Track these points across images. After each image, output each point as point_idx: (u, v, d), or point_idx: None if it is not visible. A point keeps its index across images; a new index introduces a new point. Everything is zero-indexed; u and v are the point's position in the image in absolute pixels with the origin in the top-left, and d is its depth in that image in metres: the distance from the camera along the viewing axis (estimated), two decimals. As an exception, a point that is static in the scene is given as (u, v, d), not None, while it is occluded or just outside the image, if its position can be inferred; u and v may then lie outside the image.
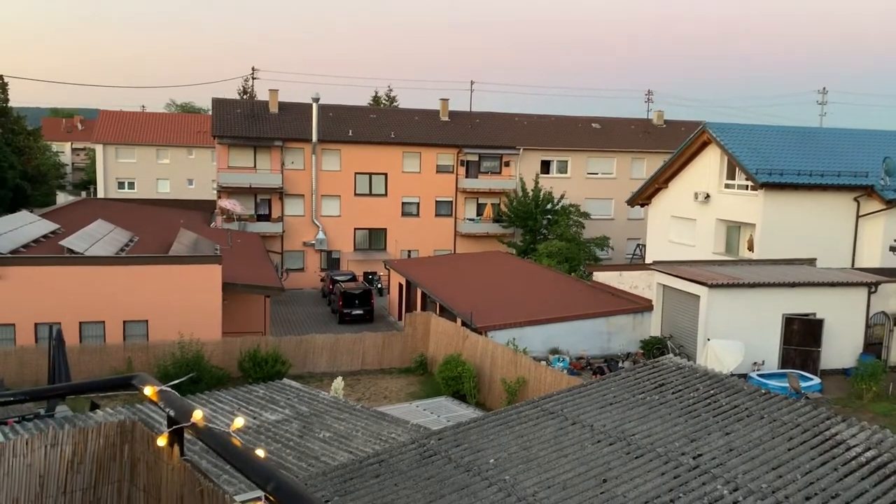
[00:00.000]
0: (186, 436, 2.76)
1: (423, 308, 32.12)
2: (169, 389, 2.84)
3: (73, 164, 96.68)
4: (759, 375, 22.61)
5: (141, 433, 2.83)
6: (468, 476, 7.58)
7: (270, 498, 2.00)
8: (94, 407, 13.57)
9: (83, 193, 68.12)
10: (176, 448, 2.62)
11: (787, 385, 21.49)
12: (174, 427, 2.58)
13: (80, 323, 24.98)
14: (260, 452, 2.28)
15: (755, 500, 6.81)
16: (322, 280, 44.83)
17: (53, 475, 2.82)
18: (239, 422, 2.46)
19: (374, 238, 48.00)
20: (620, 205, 47.46)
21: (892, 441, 8.04)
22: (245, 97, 66.69)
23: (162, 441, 2.67)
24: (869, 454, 7.75)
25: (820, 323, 24.43)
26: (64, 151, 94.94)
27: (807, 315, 24.67)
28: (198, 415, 2.47)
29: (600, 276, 31.89)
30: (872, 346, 25.85)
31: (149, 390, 2.78)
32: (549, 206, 45.72)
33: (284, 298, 38.38)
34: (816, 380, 23.08)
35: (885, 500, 6.72)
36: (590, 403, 9.52)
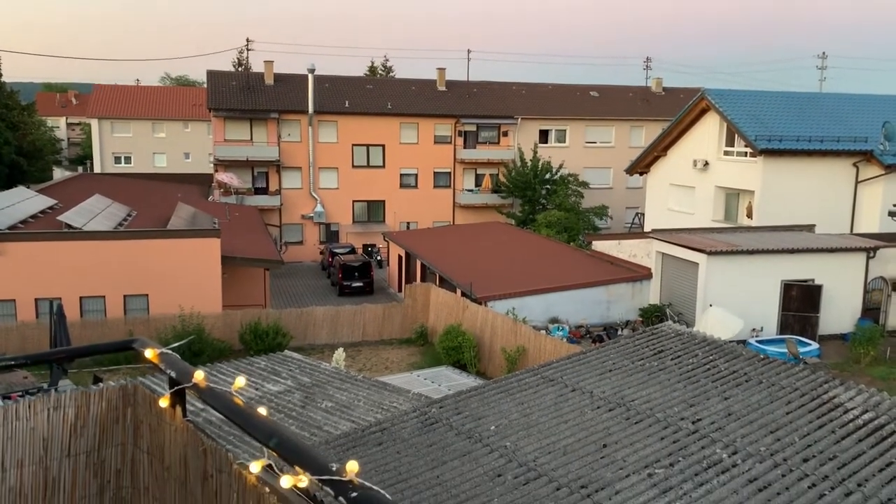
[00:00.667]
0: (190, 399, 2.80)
1: (423, 279, 32.19)
2: (170, 352, 2.85)
3: (68, 139, 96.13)
4: (758, 341, 22.74)
5: (143, 396, 2.85)
6: (469, 443, 7.66)
7: (274, 454, 2.02)
8: (96, 381, 13.66)
9: (80, 168, 67.86)
10: (178, 409, 2.64)
11: (786, 350, 21.62)
12: (176, 388, 2.59)
13: (81, 298, 25.04)
14: (262, 410, 2.30)
15: (753, 463, 6.88)
16: (321, 253, 44.86)
17: (57, 438, 2.85)
18: (240, 381, 2.48)
19: (373, 210, 47.92)
20: (619, 174, 47.31)
21: (889, 404, 8.11)
22: (240, 69, 66.08)
23: (164, 402, 2.69)
24: (866, 417, 7.82)
25: (818, 289, 24.52)
26: (59, 126, 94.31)
27: (805, 281, 24.74)
28: (199, 375, 2.49)
29: (599, 245, 31.91)
30: (870, 311, 25.97)
31: (149, 353, 2.79)
32: (547, 176, 45.58)
33: (284, 271, 38.45)
34: (815, 345, 23.22)
35: (882, 461, 6.80)
36: (589, 371, 9.58)
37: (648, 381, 9.05)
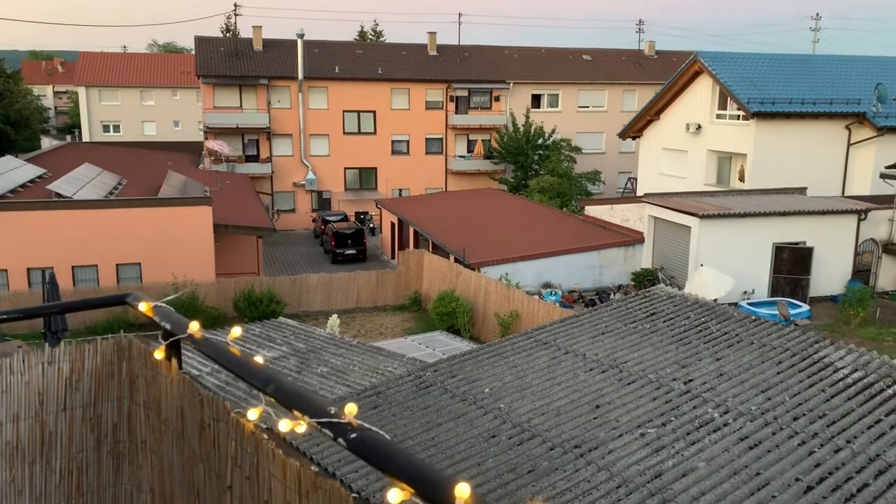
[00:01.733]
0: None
1: (416, 246, 32.20)
2: (164, 304, 2.85)
3: (55, 107, 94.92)
4: (750, 304, 22.92)
5: (138, 350, 2.86)
6: (464, 405, 7.73)
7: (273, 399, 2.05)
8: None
9: (68, 137, 67.18)
10: (174, 361, 2.65)
11: (777, 313, 21.81)
12: (171, 339, 2.60)
13: (73, 267, 24.97)
14: (259, 359, 2.31)
15: (744, 422, 6.98)
16: (313, 221, 44.74)
17: (52, 392, 2.87)
18: (236, 331, 2.49)
19: (365, 177, 47.70)
20: (612, 138, 47.14)
21: (879, 363, 8.21)
22: (228, 35, 65.14)
23: (159, 354, 2.69)
24: (856, 375, 7.92)
25: (809, 251, 24.66)
26: (46, 95, 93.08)
27: (797, 244, 24.87)
28: (194, 326, 2.50)
29: (592, 210, 31.93)
30: (861, 273, 26.17)
31: (143, 306, 2.79)
32: (540, 142, 45.36)
33: (276, 240, 38.37)
34: (805, 307, 23.42)
35: (871, 418, 6.90)
36: (582, 333, 9.65)
37: (641, 343, 9.12)
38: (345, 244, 36.32)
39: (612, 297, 24.64)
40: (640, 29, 67.52)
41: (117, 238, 25.34)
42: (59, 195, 27.03)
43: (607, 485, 6.01)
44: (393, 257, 35.50)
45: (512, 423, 7.21)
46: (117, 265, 25.49)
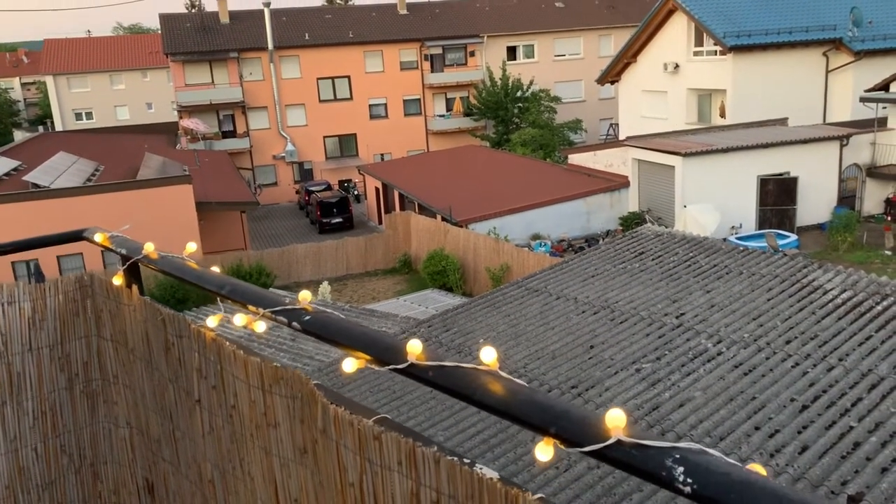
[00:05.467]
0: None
1: (402, 209, 32.05)
2: (119, 234, 2.86)
3: (25, 99, 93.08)
4: (738, 238, 22.98)
5: (100, 284, 2.85)
6: (459, 357, 7.72)
7: (228, 301, 2.09)
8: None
9: (40, 129, 66.06)
10: (135, 287, 2.65)
11: (766, 244, 21.90)
12: (128, 262, 2.61)
13: (58, 257, 24.72)
14: (215, 268, 2.32)
15: (738, 350, 7.01)
16: (297, 192, 44.38)
17: (16, 332, 2.86)
18: (191, 246, 2.52)
19: (345, 145, 47.25)
20: (591, 86, 46.72)
21: (867, 281, 8.25)
22: (193, 11, 63.83)
23: (118, 279, 2.69)
24: (845, 296, 7.96)
25: (794, 181, 24.69)
26: (13, 88, 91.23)
27: (781, 174, 24.88)
28: (149, 246, 2.52)
29: (575, 159, 31.79)
30: (846, 200, 26.28)
31: (99, 237, 2.80)
32: (518, 94, 44.93)
33: (261, 214, 38.11)
34: (793, 237, 23.53)
35: (861, 335, 6.95)
36: (572, 278, 9.65)
37: (631, 283, 9.13)
38: (330, 213, 36.11)
39: (601, 242, 24.67)
40: (610, -29, 66.38)
41: (99, 224, 24.94)
42: (36, 186, 26.66)
43: (606, 421, 6.05)
44: (380, 222, 35.36)
45: (508, 369, 7.20)
46: (102, 251, 25.25)
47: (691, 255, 9.97)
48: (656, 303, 8.32)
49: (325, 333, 1.83)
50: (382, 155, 46.73)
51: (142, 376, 2.66)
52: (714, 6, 31.57)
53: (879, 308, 7.42)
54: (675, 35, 33.26)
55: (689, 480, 1.09)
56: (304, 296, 1.93)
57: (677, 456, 1.14)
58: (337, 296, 22.76)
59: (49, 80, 61.87)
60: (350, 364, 1.73)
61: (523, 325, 8.35)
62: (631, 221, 25.59)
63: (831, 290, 8.20)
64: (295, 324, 1.88)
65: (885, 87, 27.16)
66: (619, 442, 1.21)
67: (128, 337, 2.69)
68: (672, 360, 6.97)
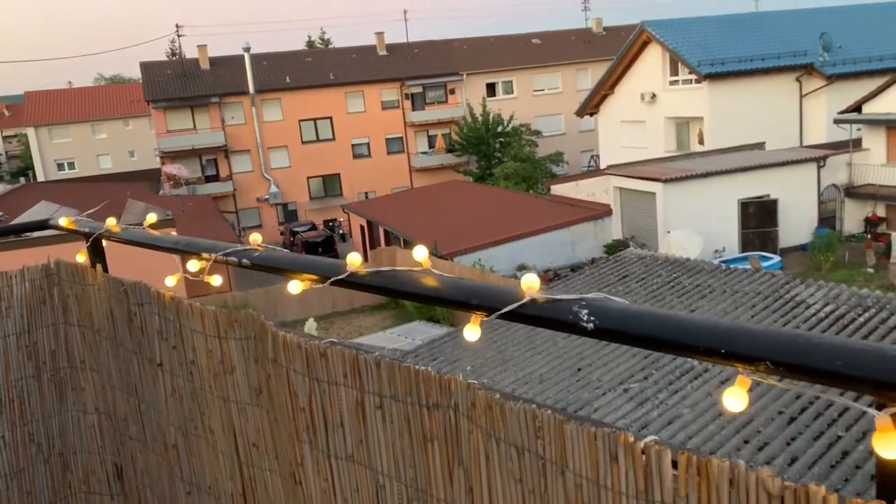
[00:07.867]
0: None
1: (388, 245, 32.04)
2: (84, 217, 2.91)
3: (6, 152, 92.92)
4: (722, 261, 23.10)
5: (66, 269, 2.85)
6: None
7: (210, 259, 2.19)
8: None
9: (21, 180, 65.77)
10: (99, 267, 2.70)
11: (749, 267, 22.03)
12: (91, 239, 2.67)
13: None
14: (173, 232, 2.37)
15: (724, 366, 6.98)
16: (282, 234, 44.29)
17: None
18: (151, 217, 2.62)
19: (329, 184, 47.37)
20: (570, 118, 47.30)
21: (848, 294, 8.30)
22: (174, 58, 64.32)
23: (81, 257, 2.72)
24: (827, 309, 7.99)
25: (774, 203, 24.96)
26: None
27: (761, 197, 25.15)
28: (111, 221, 2.60)
29: (558, 189, 32.02)
30: (826, 220, 26.56)
31: (64, 221, 2.84)
32: (499, 129, 45.38)
33: (247, 256, 37.90)
34: (776, 258, 23.70)
35: (847, 346, 6.95)
36: (557, 302, 9.62)
37: (616, 305, 9.12)
38: (315, 252, 35.98)
39: (585, 269, 24.73)
40: (585, 6, 67.83)
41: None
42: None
43: (595, 442, 5.99)
44: (366, 259, 35.25)
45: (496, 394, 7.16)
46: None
47: (674, 275, 10.00)
48: (641, 323, 8.30)
49: (273, 264, 1.95)
50: (367, 193, 46.86)
51: (108, 355, 2.69)
52: (687, 36, 32.22)
53: (861, 319, 7.44)
54: (651, 65, 33.85)
55: (591, 318, 1.24)
56: (255, 238, 2.05)
57: (583, 303, 1.28)
58: (324, 332, 22.57)
59: (30, 131, 61.86)
60: (295, 286, 1.84)
61: (510, 350, 8.31)
62: (615, 249, 25.68)
63: (814, 304, 8.23)
64: (245, 261, 1.99)
65: (857, 108, 27.67)
66: (533, 300, 1.34)
67: (94, 319, 2.72)
68: (659, 378, 6.94)
